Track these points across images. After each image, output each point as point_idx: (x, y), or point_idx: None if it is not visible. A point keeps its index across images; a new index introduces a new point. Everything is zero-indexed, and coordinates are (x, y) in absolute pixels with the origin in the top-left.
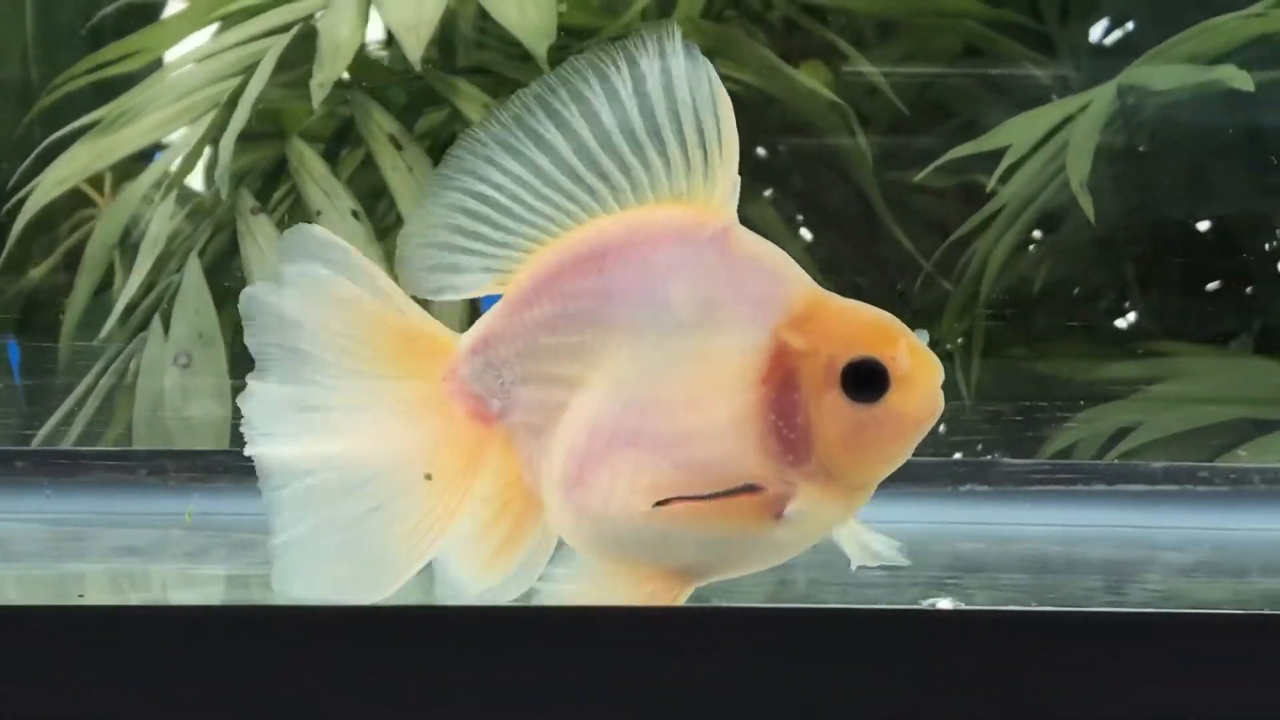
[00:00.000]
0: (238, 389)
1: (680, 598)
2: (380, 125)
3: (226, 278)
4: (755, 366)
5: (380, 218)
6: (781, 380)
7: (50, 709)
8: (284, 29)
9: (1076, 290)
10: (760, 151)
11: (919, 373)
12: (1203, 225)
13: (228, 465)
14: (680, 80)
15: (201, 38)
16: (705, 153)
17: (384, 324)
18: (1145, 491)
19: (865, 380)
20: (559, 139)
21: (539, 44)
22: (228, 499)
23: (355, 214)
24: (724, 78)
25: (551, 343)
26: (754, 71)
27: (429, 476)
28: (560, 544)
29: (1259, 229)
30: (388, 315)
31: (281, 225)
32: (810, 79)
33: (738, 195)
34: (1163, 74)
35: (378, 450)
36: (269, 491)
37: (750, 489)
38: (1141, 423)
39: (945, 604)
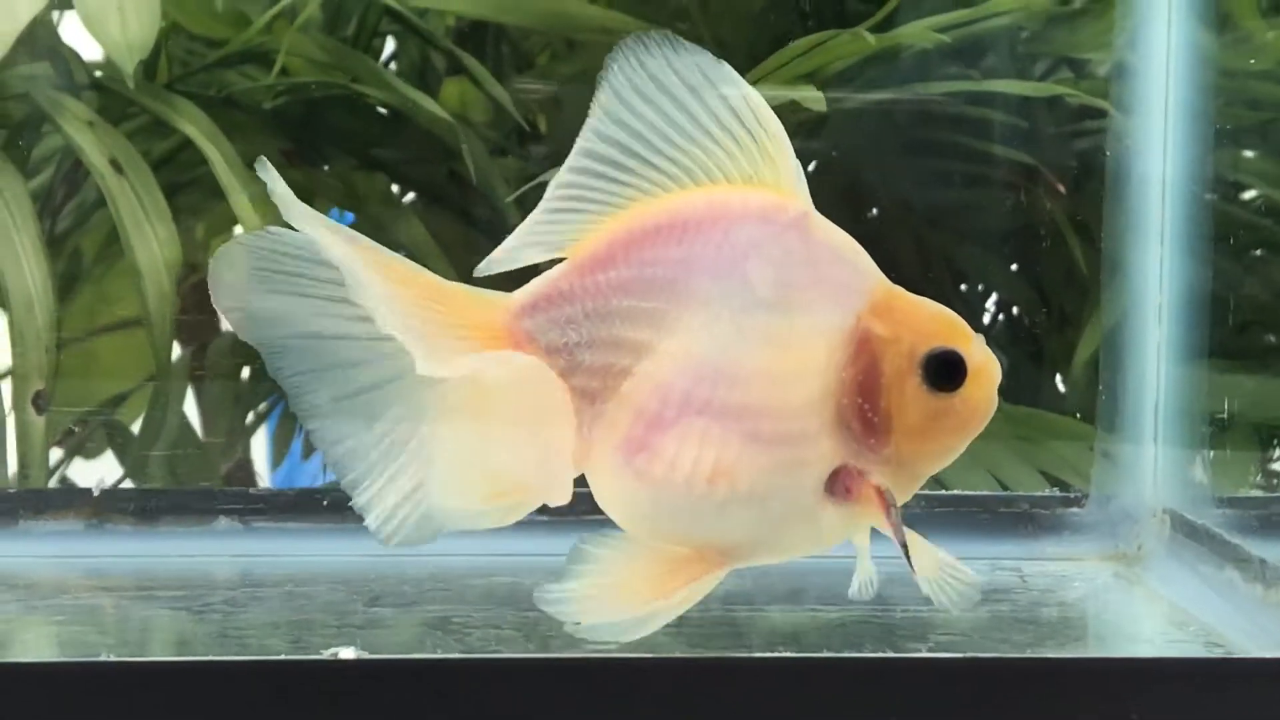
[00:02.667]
0: None
1: (713, 580)
2: None
3: None
4: (840, 349)
5: None
6: (866, 365)
7: None
8: None
9: None
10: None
11: (988, 368)
12: None
13: None
14: (721, 77)
15: None
16: (762, 140)
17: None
18: None
19: (946, 370)
20: (631, 117)
21: (128, 60)
22: None
23: None
24: (361, 96)
25: (625, 306)
26: (383, 90)
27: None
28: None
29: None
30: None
31: None
32: (431, 97)
33: (804, 182)
34: None
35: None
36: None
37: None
38: None
39: (348, 653)
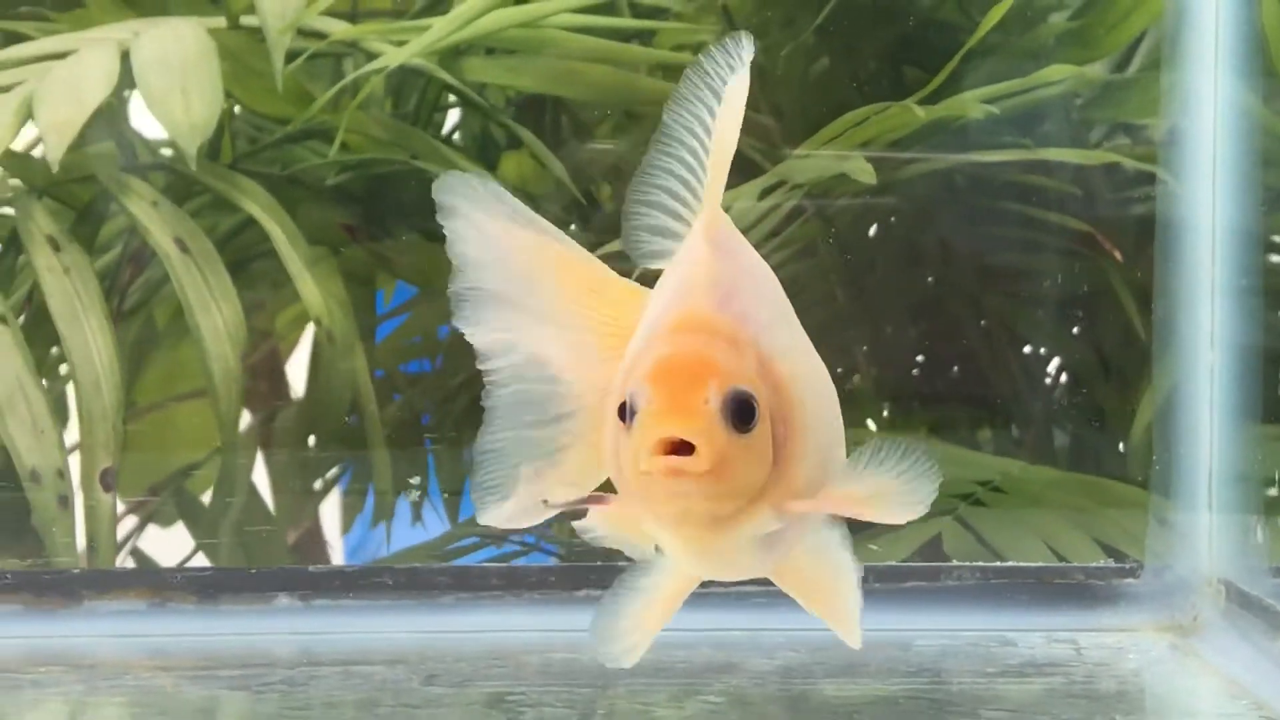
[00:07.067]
0: None
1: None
2: (39, 226)
3: None
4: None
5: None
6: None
7: None
8: None
9: None
10: None
11: (646, 420)
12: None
13: None
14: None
15: None
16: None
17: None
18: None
19: (624, 407)
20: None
21: (190, 142)
22: None
23: (3, 318)
24: (412, 170)
25: None
26: (442, 165)
27: None
28: None
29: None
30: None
31: None
32: (491, 170)
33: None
34: (803, 166)
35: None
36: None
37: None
38: None
39: None
